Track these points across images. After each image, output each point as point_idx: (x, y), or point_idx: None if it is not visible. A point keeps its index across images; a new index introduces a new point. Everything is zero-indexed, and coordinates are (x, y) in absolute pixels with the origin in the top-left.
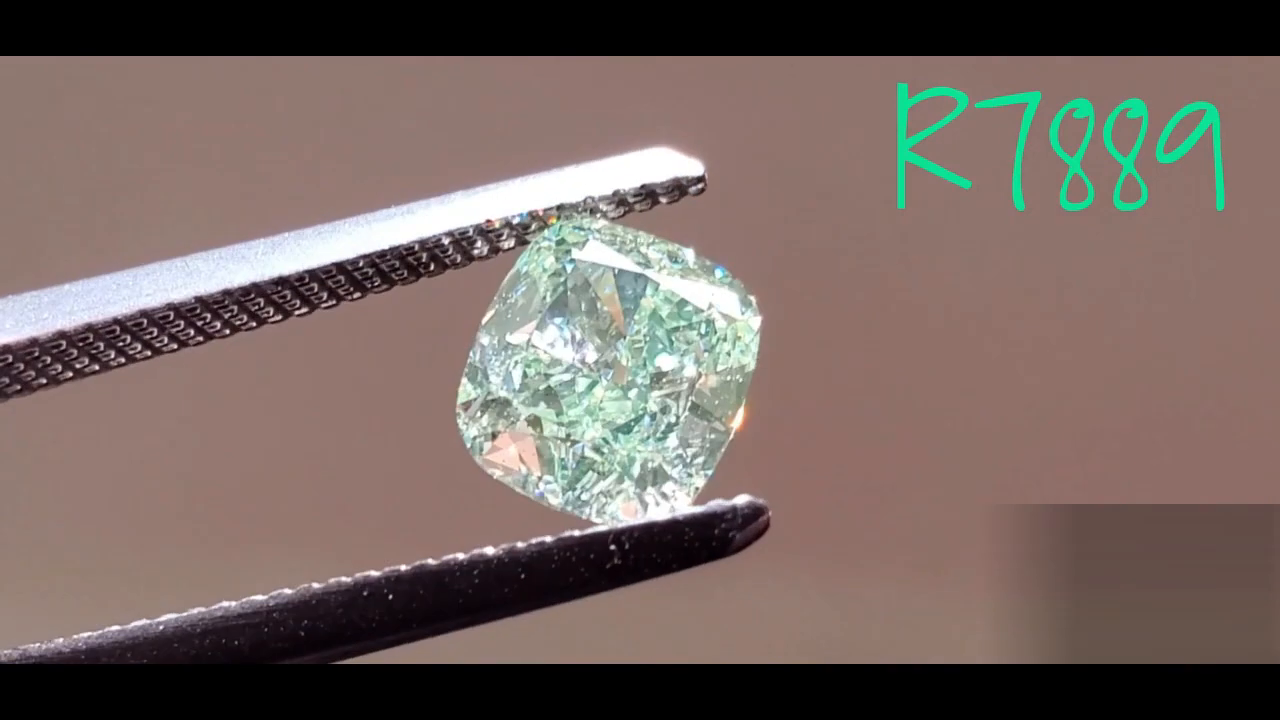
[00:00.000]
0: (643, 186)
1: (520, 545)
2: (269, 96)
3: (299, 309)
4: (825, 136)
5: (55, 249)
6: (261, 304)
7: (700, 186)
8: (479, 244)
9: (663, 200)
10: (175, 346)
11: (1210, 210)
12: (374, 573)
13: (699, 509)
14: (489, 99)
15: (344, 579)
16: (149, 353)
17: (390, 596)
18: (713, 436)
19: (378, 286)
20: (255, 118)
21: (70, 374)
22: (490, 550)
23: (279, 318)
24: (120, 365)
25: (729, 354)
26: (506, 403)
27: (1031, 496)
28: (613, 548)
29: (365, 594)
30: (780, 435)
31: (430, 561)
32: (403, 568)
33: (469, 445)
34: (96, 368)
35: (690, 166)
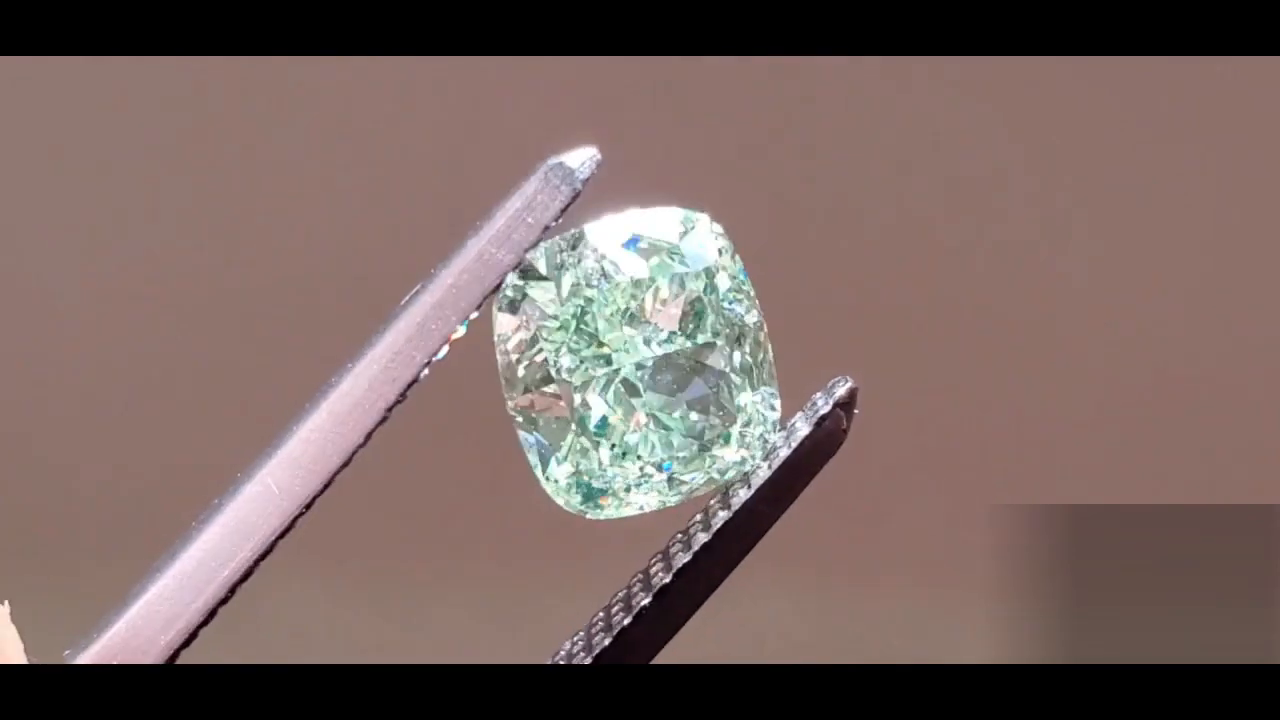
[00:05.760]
0: (560, 214)
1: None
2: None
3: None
4: (827, 137)
5: (56, 249)
6: None
7: (598, 162)
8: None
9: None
10: None
11: (1211, 210)
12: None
13: (805, 434)
14: (449, 97)
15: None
16: None
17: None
18: (761, 356)
19: None
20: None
21: None
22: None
23: None
24: None
25: (730, 297)
26: (602, 475)
27: (1031, 496)
28: (761, 503)
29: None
30: None
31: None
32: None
33: (571, 507)
34: None
35: (582, 162)
